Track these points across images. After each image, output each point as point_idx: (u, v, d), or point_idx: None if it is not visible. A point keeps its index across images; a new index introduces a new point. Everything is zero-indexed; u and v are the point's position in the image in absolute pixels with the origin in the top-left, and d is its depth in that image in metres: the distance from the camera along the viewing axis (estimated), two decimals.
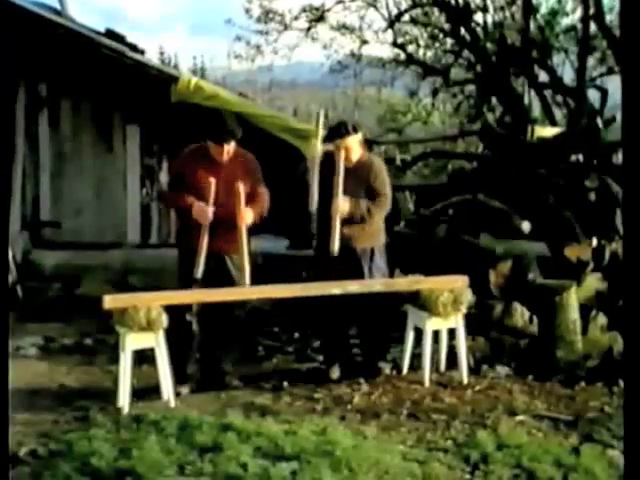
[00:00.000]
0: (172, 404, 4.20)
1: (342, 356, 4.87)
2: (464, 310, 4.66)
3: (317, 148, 5.14)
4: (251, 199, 4.41)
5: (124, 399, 4.12)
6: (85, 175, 7.60)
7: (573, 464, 3.35)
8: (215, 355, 4.62)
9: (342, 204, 4.53)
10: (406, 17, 11.58)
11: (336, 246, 4.50)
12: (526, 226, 5.80)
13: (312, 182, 4.74)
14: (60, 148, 7.56)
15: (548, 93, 10.07)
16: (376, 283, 4.62)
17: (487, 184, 6.51)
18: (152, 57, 10.49)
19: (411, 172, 10.79)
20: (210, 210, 4.28)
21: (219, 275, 4.38)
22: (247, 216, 4.33)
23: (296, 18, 11.94)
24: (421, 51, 12.29)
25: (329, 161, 4.69)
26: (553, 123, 9.22)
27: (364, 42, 12.18)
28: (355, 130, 4.66)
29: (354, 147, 4.67)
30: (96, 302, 4.15)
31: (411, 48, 12.06)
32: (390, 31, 11.63)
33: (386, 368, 4.82)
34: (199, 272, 4.30)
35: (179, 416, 3.88)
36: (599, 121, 6.69)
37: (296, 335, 5.80)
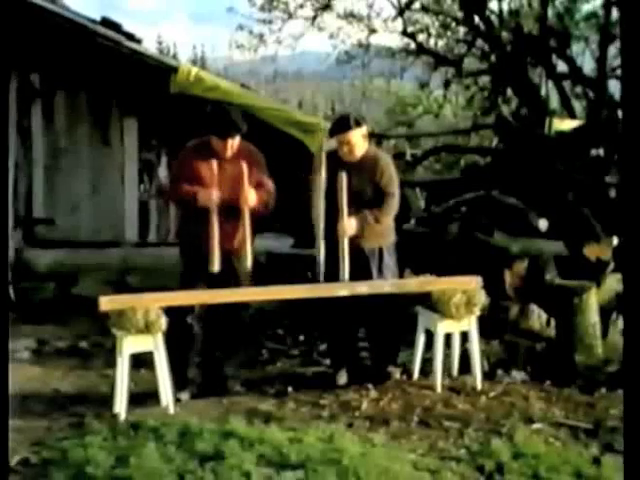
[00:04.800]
0: (171, 410, 4.20)
1: (350, 360, 4.87)
2: (478, 312, 4.65)
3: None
4: (256, 188, 4.44)
5: (121, 405, 4.13)
6: (80, 170, 7.61)
7: (594, 475, 3.34)
8: (217, 359, 4.62)
9: (348, 224, 4.51)
10: (416, 5, 11.56)
11: (346, 274, 4.48)
12: (543, 224, 5.80)
13: (316, 186, 4.68)
14: (54, 142, 7.57)
15: (567, 84, 10.04)
16: (385, 284, 4.62)
17: (502, 180, 6.50)
18: (150, 47, 10.50)
19: (422, 167, 10.80)
20: (215, 192, 4.29)
21: (225, 275, 4.38)
22: (250, 197, 4.34)
23: (301, 6, 11.94)
24: (432, 40, 12.27)
25: (334, 161, 4.67)
26: (572, 116, 9.20)
27: (372, 31, 12.17)
28: (358, 124, 4.63)
29: (358, 142, 4.64)
30: (92, 303, 4.16)
31: (422, 37, 12.04)
32: (400, 19, 11.62)
33: (396, 373, 4.82)
34: (216, 265, 4.29)
35: (179, 423, 3.88)
36: (620, 113, 6.67)
37: (301, 338, 5.81)
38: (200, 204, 4.32)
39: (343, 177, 4.52)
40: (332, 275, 4.57)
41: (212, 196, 4.30)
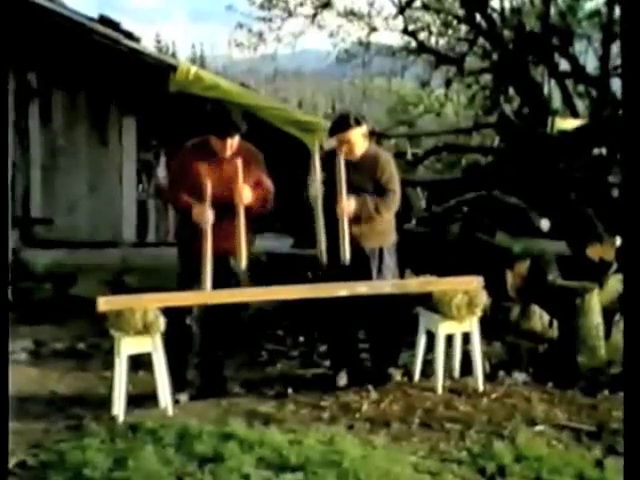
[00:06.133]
0: (170, 412, 4.20)
1: (350, 361, 4.86)
2: (479, 313, 4.64)
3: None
4: (255, 188, 4.43)
5: (119, 407, 4.12)
6: (78, 170, 7.61)
7: (596, 478, 3.33)
8: (216, 360, 4.62)
9: (347, 204, 4.52)
10: (417, 3, 11.55)
11: (347, 254, 4.47)
12: (545, 224, 5.79)
13: (314, 180, 4.67)
14: (52, 141, 7.57)
15: (569, 83, 10.03)
16: (386, 284, 4.61)
17: (504, 179, 6.50)
18: (149, 45, 10.49)
19: (423, 167, 10.79)
20: (210, 213, 4.28)
21: (222, 276, 4.37)
22: (245, 194, 4.34)
23: (301, 4, 11.93)
24: (433, 39, 12.26)
25: (333, 159, 4.67)
26: (574, 114, 9.20)
27: (373, 29, 12.16)
28: (358, 122, 4.64)
29: (357, 141, 4.65)
30: (90, 304, 4.16)
31: (423, 36, 12.03)
32: (400, 18, 11.60)
33: (396, 374, 4.81)
34: (208, 283, 4.25)
35: (177, 425, 3.87)
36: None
37: (301, 339, 5.81)
38: (194, 220, 4.32)
39: (341, 160, 4.54)
40: (334, 258, 4.56)
41: (206, 216, 4.27)
